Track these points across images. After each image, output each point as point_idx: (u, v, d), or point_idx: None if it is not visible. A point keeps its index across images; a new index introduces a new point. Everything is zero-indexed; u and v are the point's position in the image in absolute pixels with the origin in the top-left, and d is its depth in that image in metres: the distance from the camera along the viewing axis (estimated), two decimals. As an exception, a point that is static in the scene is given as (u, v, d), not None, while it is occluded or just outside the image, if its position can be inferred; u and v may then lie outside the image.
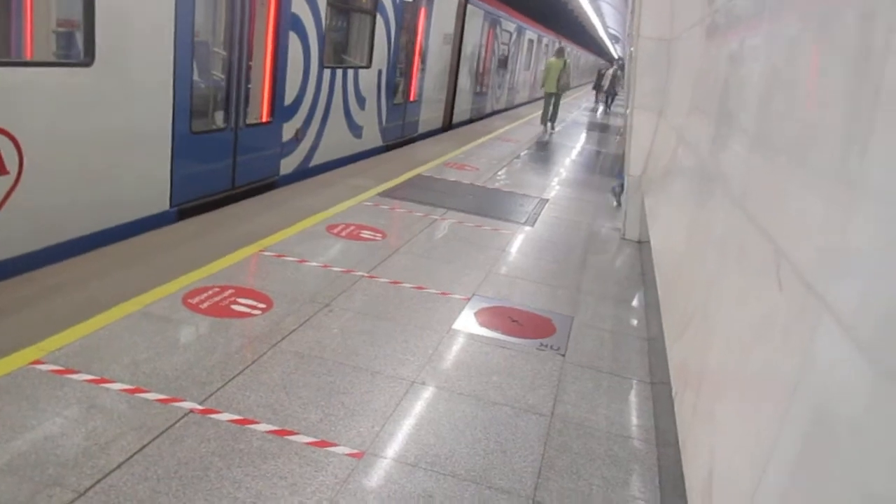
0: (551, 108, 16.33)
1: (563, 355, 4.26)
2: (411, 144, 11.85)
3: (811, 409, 1.26)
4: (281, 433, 3.01)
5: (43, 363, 3.25)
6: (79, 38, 4.80)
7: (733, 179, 2.56)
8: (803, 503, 1.22)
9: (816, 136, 1.62)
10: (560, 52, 16.77)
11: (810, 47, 1.92)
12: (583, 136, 18.10)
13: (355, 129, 9.89)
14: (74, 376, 3.18)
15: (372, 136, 10.61)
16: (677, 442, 2.39)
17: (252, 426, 3.03)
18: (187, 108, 5.80)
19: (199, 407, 3.10)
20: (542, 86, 16.44)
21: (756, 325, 1.77)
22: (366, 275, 5.07)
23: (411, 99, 12.46)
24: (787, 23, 2.24)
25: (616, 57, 53.23)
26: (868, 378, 1.05)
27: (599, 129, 20.56)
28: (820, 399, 1.23)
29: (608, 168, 12.93)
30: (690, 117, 4.90)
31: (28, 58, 4.95)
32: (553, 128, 16.70)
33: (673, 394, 2.62)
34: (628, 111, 8.23)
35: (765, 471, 1.40)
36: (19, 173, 4.25)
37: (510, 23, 20.30)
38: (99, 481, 2.55)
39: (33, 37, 4.98)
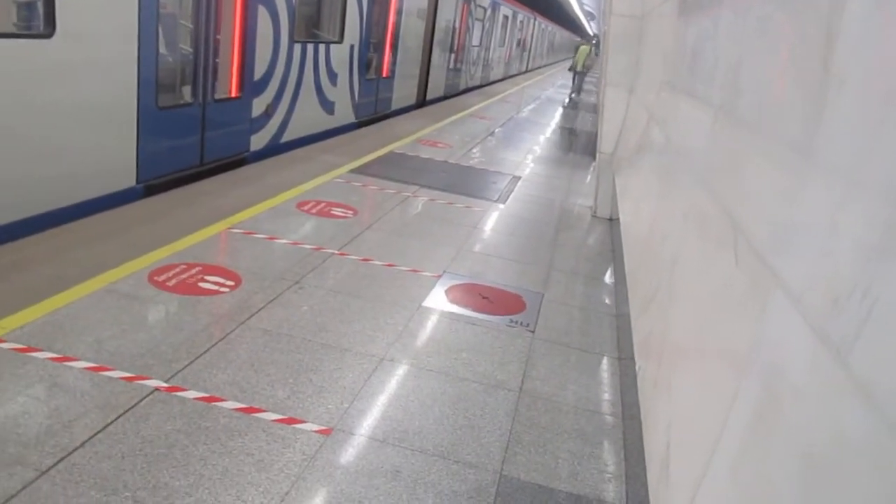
0: (578, 81, 21.91)
1: (533, 332, 4.29)
2: (385, 121, 11.76)
3: (761, 380, 1.29)
4: (248, 410, 3.00)
5: (4, 341, 3.19)
6: (39, 8, 4.66)
7: (696, 155, 2.58)
8: (754, 472, 1.25)
9: (773, 112, 1.63)
10: (587, 41, 22.59)
11: (771, 25, 1.93)
12: (557, 114, 18.11)
13: (327, 105, 9.79)
14: (37, 354, 3.14)
15: (344, 112, 10.51)
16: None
17: (218, 404, 3.02)
18: (153, 83, 5.68)
19: (165, 385, 3.08)
20: (572, 67, 22.07)
21: (713, 299, 1.80)
22: (336, 252, 5.04)
23: (384, 75, 12.34)
24: (751, 2, 2.25)
25: (591, 34, 53.12)
26: (812, 350, 1.07)
27: (574, 108, 20.57)
28: (769, 370, 1.26)
29: (582, 146, 12.96)
30: (659, 94, 4.92)
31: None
32: (577, 96, 21.71)
33: (637, 368, 2.65)
34: (601, 89, 8.23)
35: (718, 441, 1.43)
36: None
37: (485, -2, 20.15)
38: (61, 459, 2.52)
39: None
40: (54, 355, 3.15)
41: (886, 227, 0.92)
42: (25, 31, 4.83)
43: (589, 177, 9.81)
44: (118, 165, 5.53)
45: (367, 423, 3.08)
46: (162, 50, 5.88)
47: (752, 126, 1.87)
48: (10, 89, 4.39)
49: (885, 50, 1.13)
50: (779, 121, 1.58)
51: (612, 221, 7.21)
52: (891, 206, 0.92)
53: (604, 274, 5.74)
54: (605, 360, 4.11)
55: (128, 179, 5.64)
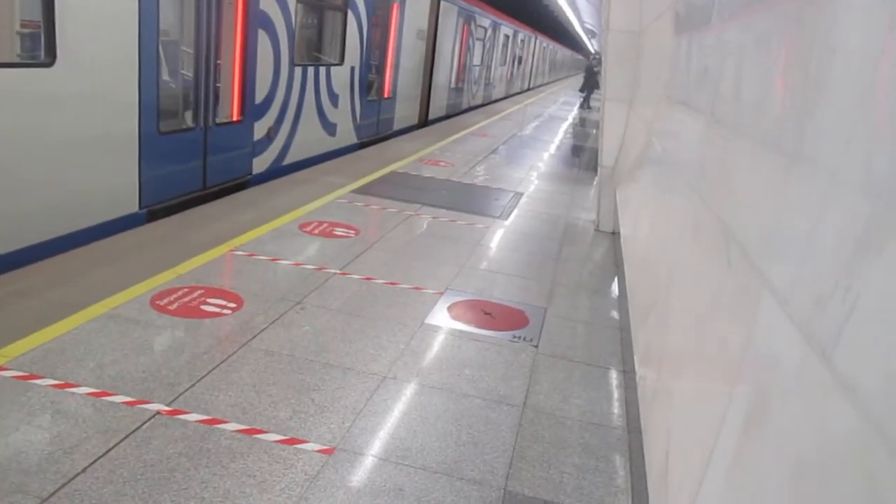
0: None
1: (536, 346, 4.27)
2: (387, 141, 11.82)
3: (753, 384, 1.27)
4: (250, 432, 2.99)
5: (5, 369, 3.20)
6: (40, 37, 4.73)
7: (690, 164, 2.58)
8: (747, 477, 1.24)
9: (757, 117, 1.63)
10: (598, 62, 24.82)
11: (755, 33, 1.94)
12: (561, 130, 18.17)
13: (329, 127, 9.85)
14: (39, 381, 3.14)
15: (346, 134, 10.57)
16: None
17: (220, 426, 3.01)
18: (154, 108, 5.73)
19: (167, 408, 3.08)
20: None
21: (708, 305, 1.79)
22: (338, 272, 5.05)
23: (386, 96, 12.43)
24: (734, 16, 2.26)
25: (593, 52, 53.49)
26: (799, 350, 1.06)
27: (578, 124, 20.63)
28: (760, 373, 1.25)
29: (585, 162, 12.98)
30: (656, 107, 4.94)
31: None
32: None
33: (637, 379, 2.63)
34: (601, 103, 8.27)
35: (714, 447, 1.42)
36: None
37: (485, 18, 20.30)
38: (63, 486, 2.52)
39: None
40: (56, 382, 3.15)
41: (864, 225, 0.92)
42: (28, 61, 4.89)
43: (592, 191, 9.82)
44: (120, 191, 5.56)
45: (370, 442, 3.06)
46: (163, 76, 5.94)
47: (740, 132, 1.88)
48: (12, 118, 4.43)
49: (864, 53, 1.13)
50: (763, 125, 1.59)
51: (615, 235, 7.20)
52: (868, 204, 0.92)
53: (607, 287, 5.72)
54: (609, 374, 4.08)
55: (130, 205, 5.67)
